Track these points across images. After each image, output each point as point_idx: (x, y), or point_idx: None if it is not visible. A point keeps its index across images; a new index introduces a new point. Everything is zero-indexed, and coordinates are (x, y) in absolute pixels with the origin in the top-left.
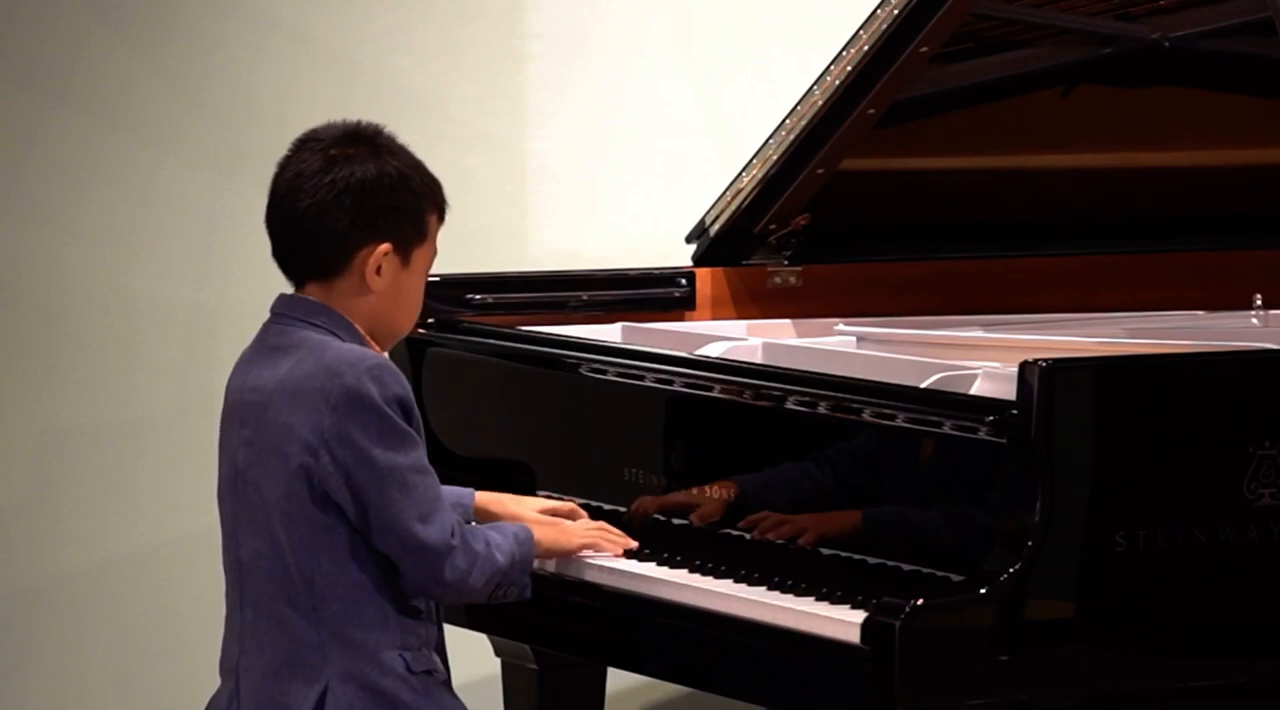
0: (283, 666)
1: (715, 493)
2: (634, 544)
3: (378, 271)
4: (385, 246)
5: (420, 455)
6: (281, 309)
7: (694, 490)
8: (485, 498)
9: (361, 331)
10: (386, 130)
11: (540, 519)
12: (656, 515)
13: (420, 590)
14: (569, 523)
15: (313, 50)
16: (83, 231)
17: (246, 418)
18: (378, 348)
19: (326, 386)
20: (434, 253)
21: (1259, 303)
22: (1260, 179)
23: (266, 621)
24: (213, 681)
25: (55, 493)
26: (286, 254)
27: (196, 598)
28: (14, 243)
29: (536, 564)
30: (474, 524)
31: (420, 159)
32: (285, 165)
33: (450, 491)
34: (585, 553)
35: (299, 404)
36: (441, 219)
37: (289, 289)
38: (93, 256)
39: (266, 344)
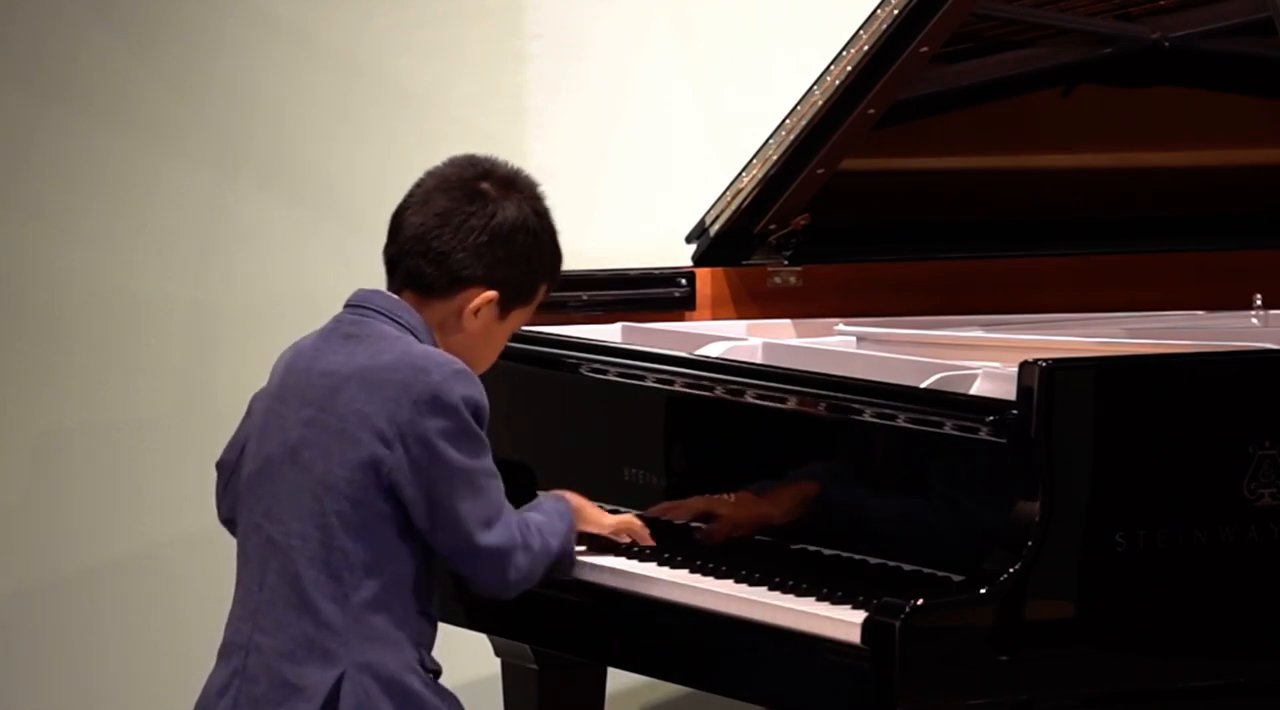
0: (299, 648)
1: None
2: (652, 543)
3: (475, 314)
4: (492, 294)
5: (490, 460)
6: (362, 301)
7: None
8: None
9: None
10: (541, 189)
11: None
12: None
13: (485, 592)
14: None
15: (313, 50)
16: (83, 231)
17: (311, 399)
18: None
19: (410, 380)
20: (528, 319)
21: (1259, 303)
22: (1260, 179)
23: (287, 601)
24: None
25: (55, 493)
26: (398, 257)
27: (197, 598)
28: (14, 243)
29: None
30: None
31: (558, 233)
32: (431, 178)
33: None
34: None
35: (377, 392)
36: (550, 292)
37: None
38: (93, 256)
39: (339, 332)
